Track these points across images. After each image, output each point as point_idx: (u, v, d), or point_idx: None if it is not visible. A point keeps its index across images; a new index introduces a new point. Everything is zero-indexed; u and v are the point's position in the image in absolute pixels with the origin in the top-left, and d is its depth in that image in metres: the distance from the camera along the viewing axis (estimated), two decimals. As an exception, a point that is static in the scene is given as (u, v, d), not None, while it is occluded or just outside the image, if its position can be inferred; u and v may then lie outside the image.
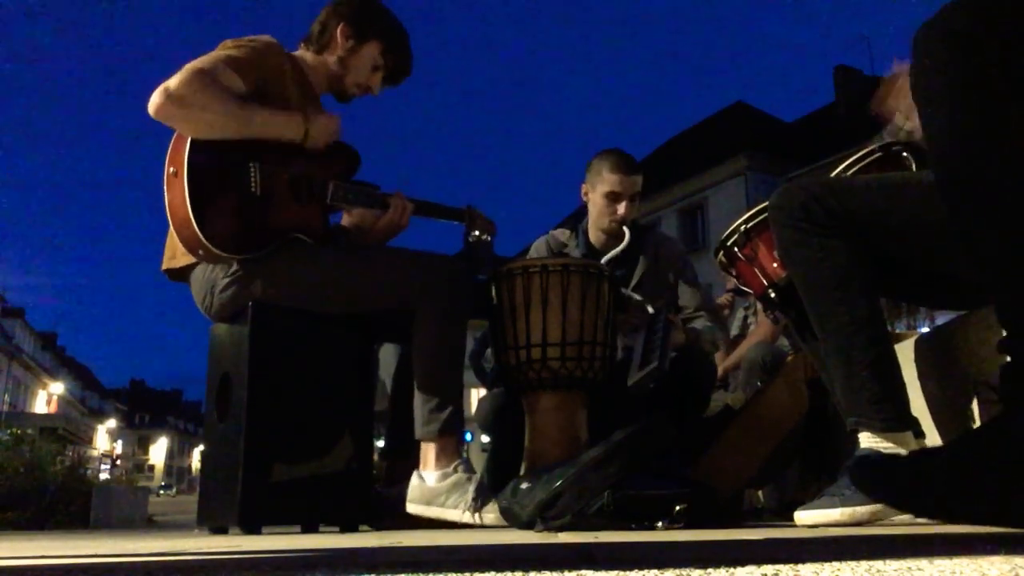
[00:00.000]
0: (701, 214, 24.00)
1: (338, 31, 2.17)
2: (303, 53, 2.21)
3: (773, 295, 1.71)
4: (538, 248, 2.70)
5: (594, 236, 2.61)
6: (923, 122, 1.10)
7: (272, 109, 1.95)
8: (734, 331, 4.02)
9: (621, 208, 2.49)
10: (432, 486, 1.99)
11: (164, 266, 2.08)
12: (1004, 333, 1.05)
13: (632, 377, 2.03)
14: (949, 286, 1.54)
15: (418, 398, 2.03)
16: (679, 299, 2.60)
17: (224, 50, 1.96)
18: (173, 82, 1.81)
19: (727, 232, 1.79)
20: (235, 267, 1.96)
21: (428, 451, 2.02)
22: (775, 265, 1.68)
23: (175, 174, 1.84)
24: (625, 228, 2.46)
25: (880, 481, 1.10)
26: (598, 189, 2.52)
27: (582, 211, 2.70)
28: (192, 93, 1.81)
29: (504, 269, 2.12)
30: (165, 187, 1.87)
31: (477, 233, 2.31)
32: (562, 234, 2.71)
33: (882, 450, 1.39)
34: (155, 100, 1.81)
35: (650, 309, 2.27)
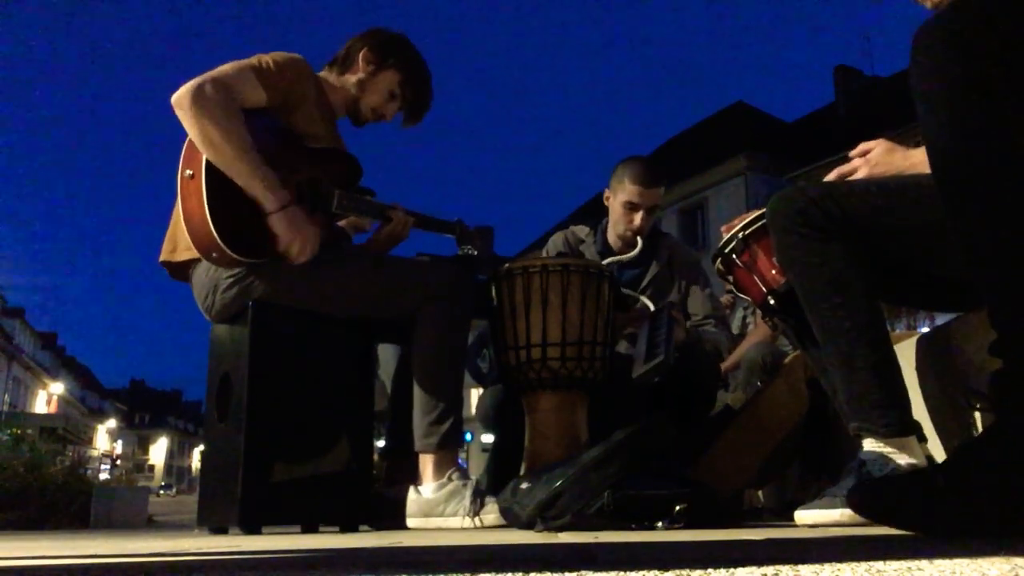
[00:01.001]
0: (701, 214, 23.99)
1: (360, 55, 2.24)
2: (326, 74, 2.26)
3: (772, 302, 1.70)
4: (555, 242, 2.74)
5: (612, 239, 2.66)
6: (922, 122, 1.10)
7: (267, 173, 1.88)
8: (734, 331, 4.02)
9: (637, 219, 2.52)
10: (429, 497, 2.00)
11: (163, 258, 2.08)
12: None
13: (637, 371, 2.04)
14: (949, 288, 1.54)
15: (417, 409, 2.04)
16: (689, 306, 2.62)
17: (255, 60, 2.00)
18: (209, 86, 1.85)
19: (725, 240, 1.77)
20: (239, 268, 1.97)
21: (426, 464, 2.04)
22: (774, 272, 1.67)
23: (191, 177, 1.85)
24: (639, 238, 2.49)
25: (878, 504, 1.10)
26: (618, 196, 2.57)
27: (583, 211, 2.73)
28: (216, 106, 1.83)
29: (504, 269, 2.12)
30: (180, 189, 1.88)
31: (465, 247, 2.35)
32: (581, 230, 2.75)
33: (885, 454, 1.39)
34: (183, 93, 1.84)
35: (651, 307, 2.28)
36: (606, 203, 2.66)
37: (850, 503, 1.21)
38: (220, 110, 1.84)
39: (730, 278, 1.80)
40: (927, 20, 1.09)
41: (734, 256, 1.74)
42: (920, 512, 1.03)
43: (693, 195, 24.06)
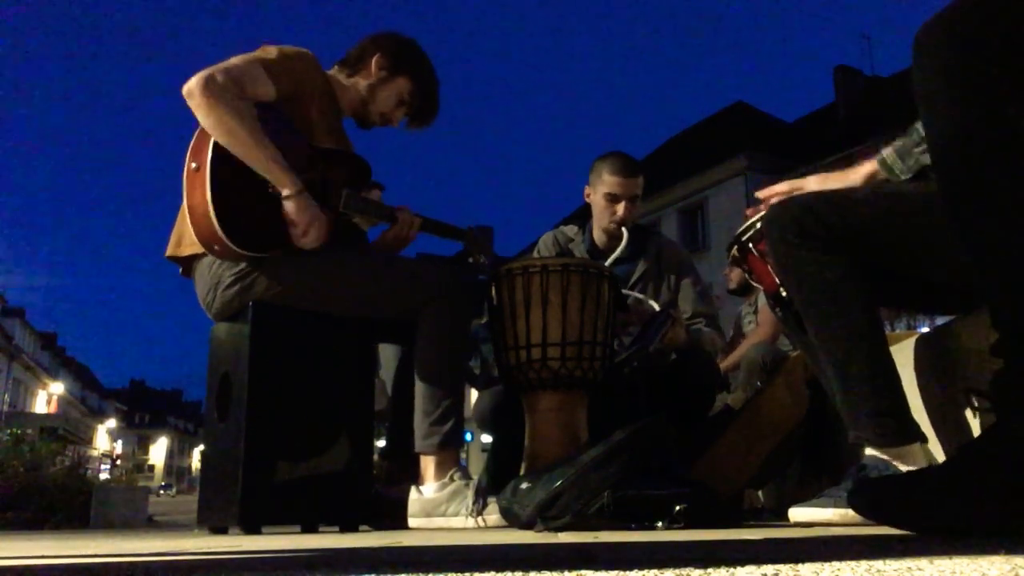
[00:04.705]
0: (701, 214, 23.97)
1: (373, 60, 2.23)
2: (336, 73, 2.25)
3: (784, 293, 1.69)
4: (545, 241, 2.77)
5: (597, 236, 2.67)
6: (924, 122, 1.10)
7: (279, 157, 1.90)
8: (734, 331, 4.02)
9: (620, 209, 2.55)
10: (431, 497, 2.00)
11: (169, 252, 2.09)
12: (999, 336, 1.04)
13: (619, 356, 2.06)
14: (947, 292, 1.53)
15: (418, 410, 2.04)
16: (679, 302, 2.63)
17: (263, 53, 2.00)
18: (220, 76, 1.85)
19: (744, 227, 1.76)
20: (241, 265, 1.97)
21: (427, 464, 2.04)
22: None
23: (196, 169, 1.86)
24: (624, 229, 2.51)
25: (878, 503, 1.10)
26: (599, 190, 2.59)
27: (582, 211, 2.74)
28: (228, 95, 1.84)
29: (504, 269, 2.12)
30: (185, 181, 1.88)
31: (476, 256, 2.35)
32: (570, 230, 2.78)
33: (886, 460, 1.39)
34: (194, 83, 1.84)
35: (655, 306, 2.29)
36: (587, 200, 2.69)
37: (850, 503, 1.21)
38: (232, 98, 1.84)
39: (744, 266, 1.78)
40: (929, 20, 1.09)
41: (750, 245, 1.72)
42: (920, 512, 1.03)
43: (693, 195, 24.05)
